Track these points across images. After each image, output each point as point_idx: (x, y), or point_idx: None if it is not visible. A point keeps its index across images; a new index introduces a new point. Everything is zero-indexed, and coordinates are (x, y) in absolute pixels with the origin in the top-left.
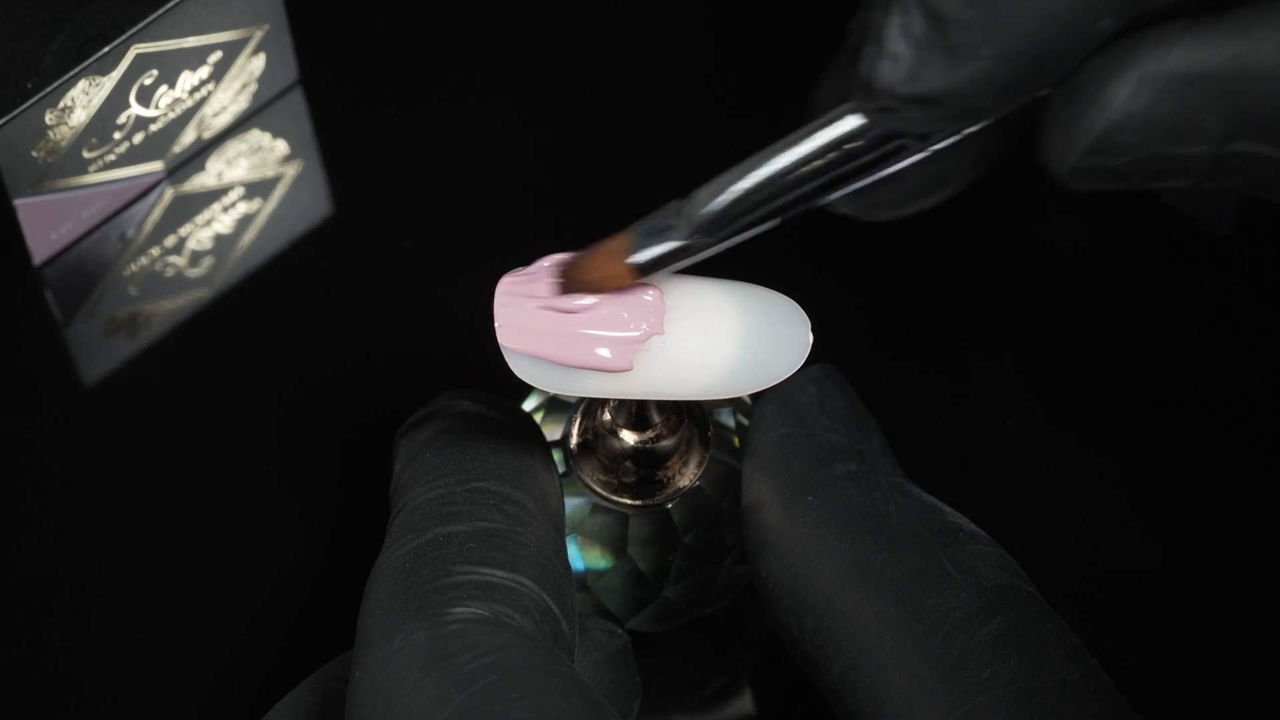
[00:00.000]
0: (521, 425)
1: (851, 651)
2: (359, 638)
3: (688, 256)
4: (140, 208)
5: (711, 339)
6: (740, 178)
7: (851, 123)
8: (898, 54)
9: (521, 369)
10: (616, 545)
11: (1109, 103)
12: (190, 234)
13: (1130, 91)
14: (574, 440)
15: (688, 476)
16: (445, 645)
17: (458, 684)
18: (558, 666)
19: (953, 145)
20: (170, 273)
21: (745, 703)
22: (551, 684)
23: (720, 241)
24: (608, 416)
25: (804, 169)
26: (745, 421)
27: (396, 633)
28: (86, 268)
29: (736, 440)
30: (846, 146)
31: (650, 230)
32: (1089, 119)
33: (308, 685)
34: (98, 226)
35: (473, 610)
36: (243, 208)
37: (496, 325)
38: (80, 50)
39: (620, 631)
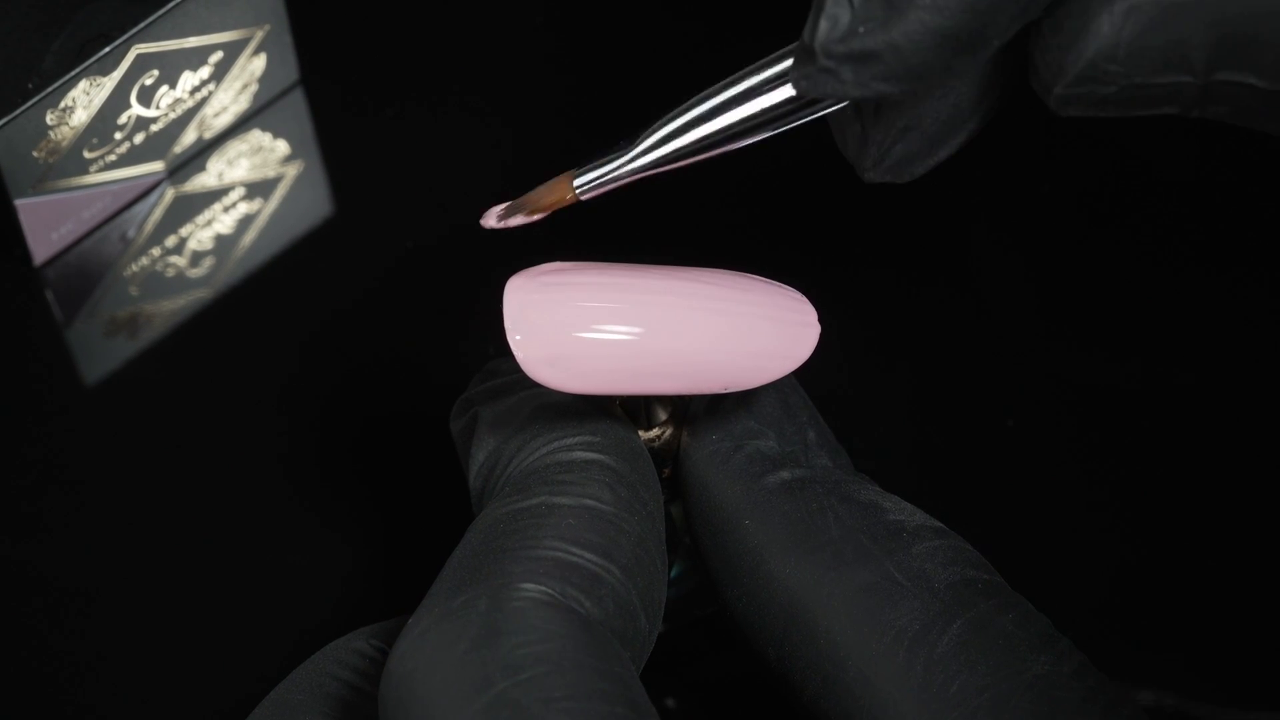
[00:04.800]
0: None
1: (817, 679)
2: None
3: (625, 178)
4: (141, 208)
5: (721, 331)
6: (679, 116)
7: (784, 94)
8: (836, 15)
9: (541, 374)
10: None
11: (1096, 33)
12: (191, 234)
13: (1118, 22)
14: None
15: None
16: (503, 622)
17: (504, 669)
18: (611, 666)
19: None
20: (171, 273)
21: (746, 703)
22: (599, 688)
23: (657, 167)
24: None
25: (739, 125)
26: None
27: (460, 593)
28: (87, 268)
29: None
30: (779, 111)
31: (594, 160)
32: (1077, 49)
33: (293, 680)
34: (98, 227)
35: (542, 589)
36: (243, 208)
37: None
38: (81, 50)
39: None
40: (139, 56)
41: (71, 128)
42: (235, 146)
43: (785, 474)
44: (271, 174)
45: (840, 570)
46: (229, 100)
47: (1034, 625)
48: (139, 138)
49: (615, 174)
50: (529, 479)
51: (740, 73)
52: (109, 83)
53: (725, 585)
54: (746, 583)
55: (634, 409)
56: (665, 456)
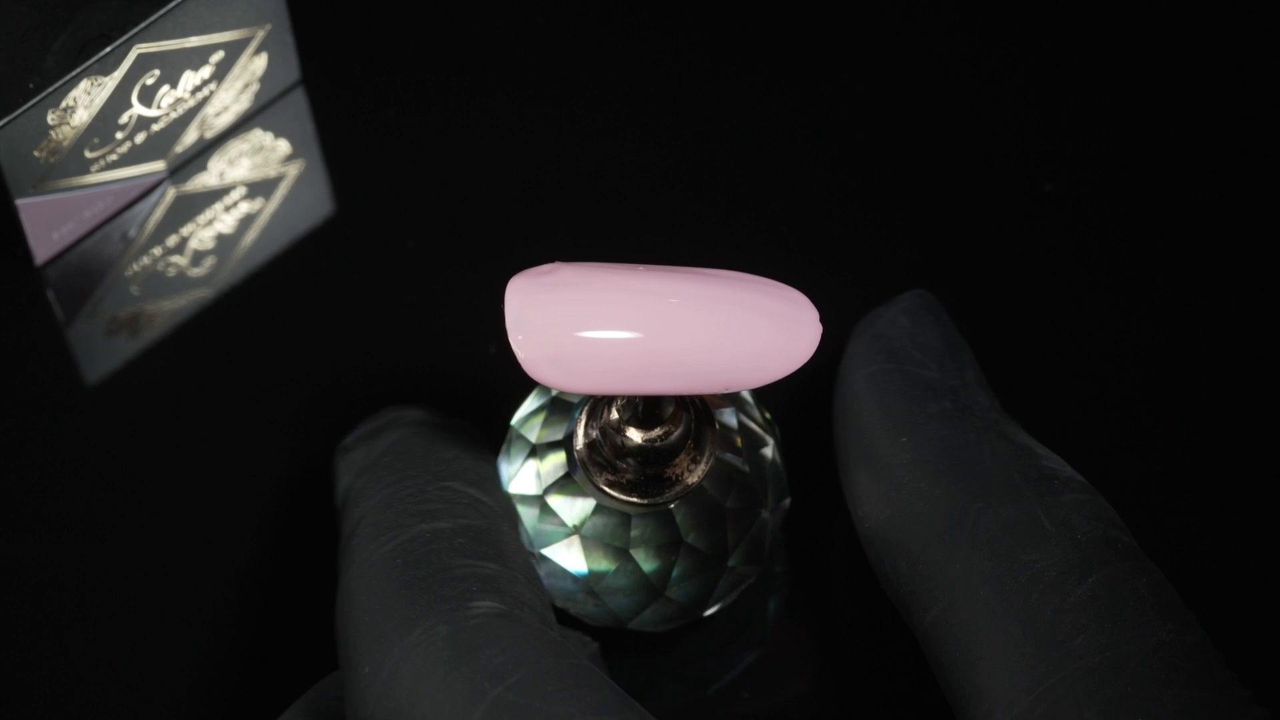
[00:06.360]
0: (474, 435)
1: (944, 601)
2: (354, 638)
3: None
4: (142, 207)
5: (722, 330)
6: None
7: None
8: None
9: (543, 374)
10: (619, 546)
11: None
12: (192, 234)
13: None
14: (579, 440)
15: (694, 474)
16: (470, 639)
17: (490, 678)
18: (578, 661)
19: None
20: (172, 272)
21: (746, 703)
22: (582, 677)
23: None
24: (615, 415)
25: None
26: (747, 421)
27: (414, 626)
28: (88, 267)
29: (739, 440)
30: None
31: None
32: None
33: (297, 708)
34: (100, 226)
35: (490, 604)
36: (245, 207)
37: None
38: (82, 50)
39: (589, 640)
40: (140, 56)
41: (72, 127)
42: (236, 146)
43: (946, 403)
44: (273, 173)
45: (989, 501)
46: (230, 100)
47: (1165, 593)
48: (140, 137)
49: None
50: (391, 515)
51: None
52: (110, 82)
53: (868, 498)
54: (894, 496)
55: (637, 407)
56: (669, 456)
